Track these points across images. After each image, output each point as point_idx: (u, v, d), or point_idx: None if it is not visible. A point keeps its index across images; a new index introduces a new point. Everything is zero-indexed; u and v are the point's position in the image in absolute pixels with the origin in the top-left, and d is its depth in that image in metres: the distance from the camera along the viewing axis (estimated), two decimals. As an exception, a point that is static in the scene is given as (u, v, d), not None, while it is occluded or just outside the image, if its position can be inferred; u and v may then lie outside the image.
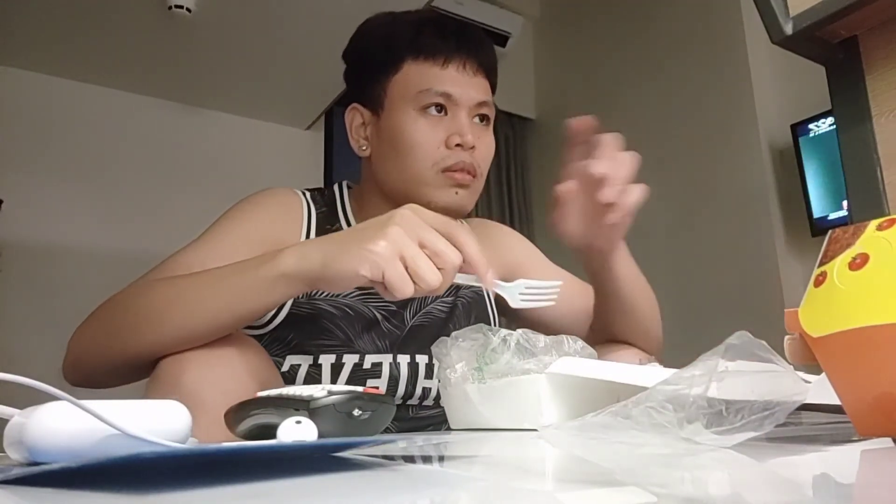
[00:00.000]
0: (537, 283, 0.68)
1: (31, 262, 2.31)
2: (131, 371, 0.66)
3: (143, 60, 2.37)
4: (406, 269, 0.56)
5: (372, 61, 0.86)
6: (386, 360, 0.84)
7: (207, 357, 0.62)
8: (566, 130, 0.71)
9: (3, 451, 0.35)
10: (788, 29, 0.94)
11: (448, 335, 0.68)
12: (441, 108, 0.82)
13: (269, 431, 0.37)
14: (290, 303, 0.80)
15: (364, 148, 0.87)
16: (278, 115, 2.83)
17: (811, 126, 2.27)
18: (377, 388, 0.82)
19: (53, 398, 0.31)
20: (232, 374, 0.62)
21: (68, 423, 0.31)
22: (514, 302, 0.66)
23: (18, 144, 2.35)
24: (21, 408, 0.34)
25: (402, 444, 0.50)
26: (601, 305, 0.86)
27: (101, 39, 2.22)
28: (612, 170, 0.69)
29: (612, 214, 0.71)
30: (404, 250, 0.56)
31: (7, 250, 2.22)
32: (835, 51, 0.99)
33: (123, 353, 0.64)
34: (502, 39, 3.20)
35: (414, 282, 0.56)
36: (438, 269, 0.56)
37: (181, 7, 2.01)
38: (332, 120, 3.04)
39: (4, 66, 2.35)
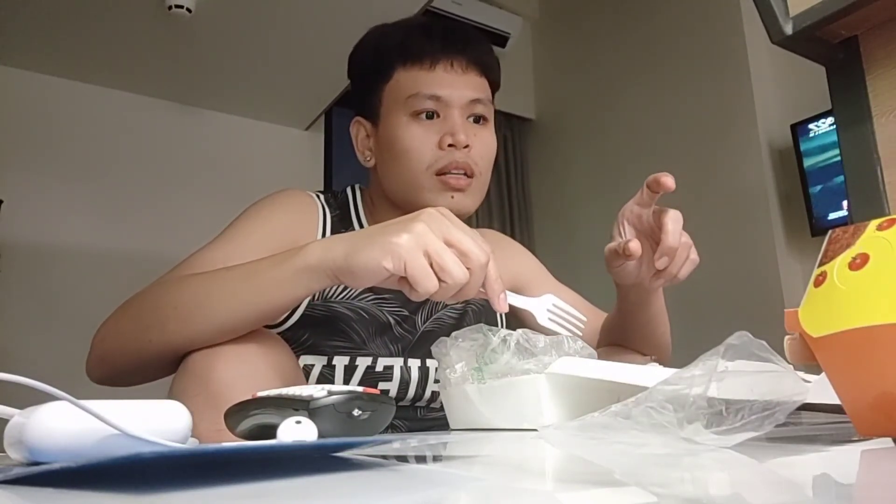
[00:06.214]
0: (563, 306, 0.68)
1: (31, 262, 2.31)
2: (158, 367, 0.67)
3: (142, 60, 2.37)
4: (432, 265, 0.55)
5: (366, 73, 0.88)
6: (397, 363, 0.84)
7: (238, 352, 0.62)
8: (649, 182, 0.72)
9: (3, 451, 0.35)
10: (788, 29, 0.94)
11: None
12: (433, 110, 0.82)
13: (269, 431, 0.37)
14: (304, 303, 0.81)
15: (369, 159, 0.88)
16: (278, 116, 2.83)
17: (811, 126, 2.27)
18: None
19: (53, 398, 0.31)
20: (261, 369, 0.63)
21: (68, 423, 0.31)
22: (543, 319, 0.66)
23: (18, 144, 2.35)
24: (21, 408, 0.34)
25: (401, 444, 0.50)
26: (627, 330, 0.88)
27: (100, 39, 2.22)
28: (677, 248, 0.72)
29: (664, 280, 0.75)
30: (428, 245, 0.55)
31: (7, 250, 2.22)
32: (835, 51, 0.99)
33: (153, 348, 0.64)
34: (502, 40, 3.20)
35: (440, 279, 0.55)
36: (466, 268, 0.56)
37: (181, 7, 2.01)
38: (332, 120, 3.04)
39: (4, 66, 2.35)
